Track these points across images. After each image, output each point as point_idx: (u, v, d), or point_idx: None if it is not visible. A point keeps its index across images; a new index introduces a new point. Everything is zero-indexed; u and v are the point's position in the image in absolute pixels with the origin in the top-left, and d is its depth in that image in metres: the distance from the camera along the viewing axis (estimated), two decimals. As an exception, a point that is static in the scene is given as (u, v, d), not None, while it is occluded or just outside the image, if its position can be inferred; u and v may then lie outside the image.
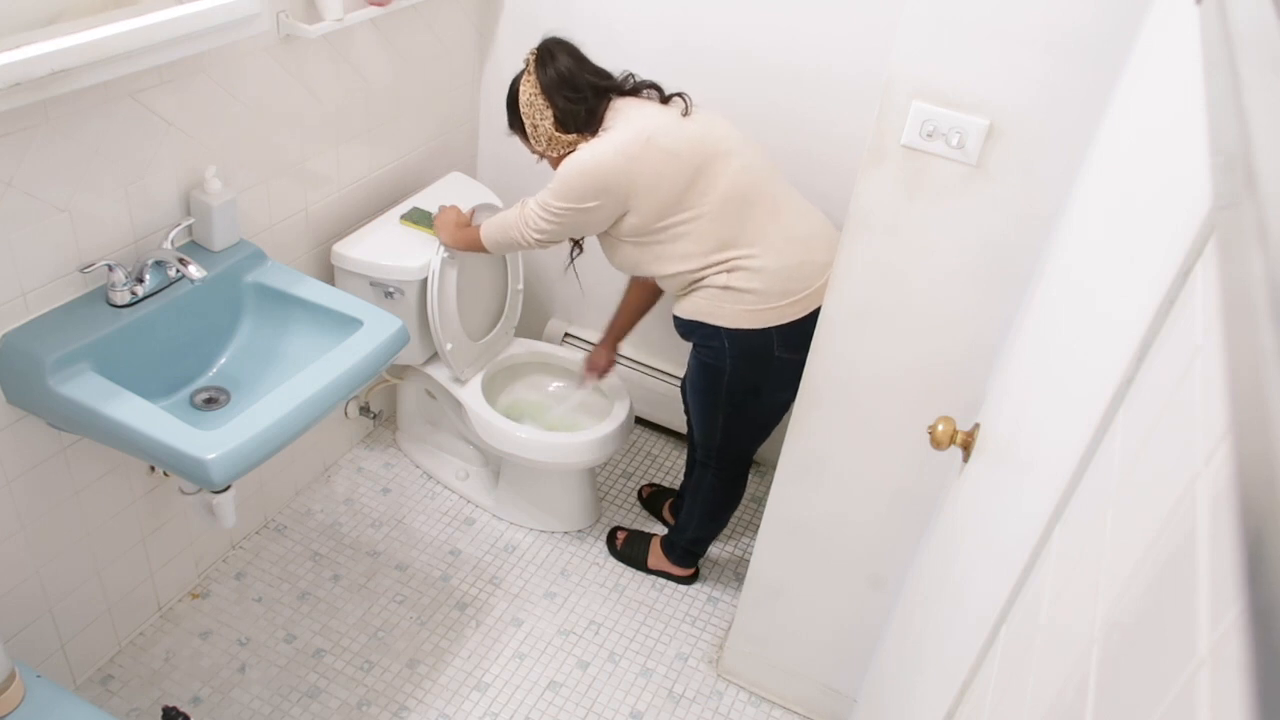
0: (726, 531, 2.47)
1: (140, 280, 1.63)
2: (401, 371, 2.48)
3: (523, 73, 1.88)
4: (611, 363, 2.36)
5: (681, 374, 2.24)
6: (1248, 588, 0.27)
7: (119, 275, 1.59)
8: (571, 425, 2.40)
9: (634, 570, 2.37)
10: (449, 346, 2.24)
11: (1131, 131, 0.99)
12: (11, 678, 1.36)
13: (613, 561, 2.39)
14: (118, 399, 1.46)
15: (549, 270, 2.69)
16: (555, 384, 2.54)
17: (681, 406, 2.38)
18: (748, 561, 2.24)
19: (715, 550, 2.45)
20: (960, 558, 1.20)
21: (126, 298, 1.61)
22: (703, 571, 2.39)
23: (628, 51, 2.22)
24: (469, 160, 2.64)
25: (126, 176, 1.62)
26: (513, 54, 2.42)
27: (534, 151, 1.94)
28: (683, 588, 2.35)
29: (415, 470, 2.58)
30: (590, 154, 1.80)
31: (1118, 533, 0.58)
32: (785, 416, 1.95)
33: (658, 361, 2.67)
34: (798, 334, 1.80)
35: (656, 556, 2.35)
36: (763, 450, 2.17)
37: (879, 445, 1.68)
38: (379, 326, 1.72)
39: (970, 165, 1.36)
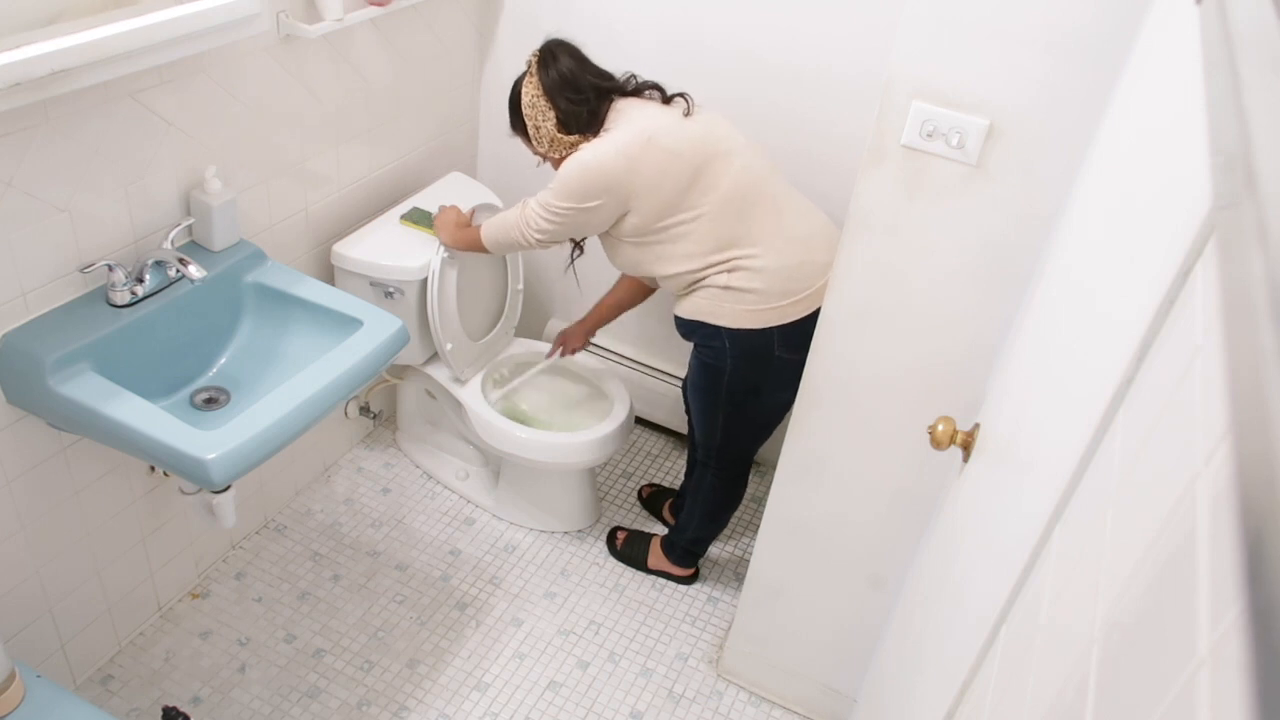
0: (726, 531, 2.47)
1: (140, 280, 1.63)
2: (401, 371, 2.48)
3: (525, 74, 1.88)
4: (584, 345, 2.37)
5: (682, 374, 2.25)
6: (1248, 588, 0.27)
7: (119, 275, 1.59)
8: (569, 424, 2.40)
9: (634, 570, 2.37)
10: (449, 346, 2.24)
11: (1131, 131, 0.99)
12: (11, 678, 1.36)
13: (613, 561, 2.39)
14: (118, 399, 1.46)
15: (549, 270, 2.68)
16: (554, 384, 2.54)
17: (682, 406, 2.39)
18: (748, 561, 2.24)
19: (715, 550, 2.45)
20: (960, 558, 1.20)
21: (126, 298, 1.61)
22: (703, 571, 2.39)
23: (628, 51, 2.22)
24: (469, 160, 2.64)
25: (126, 176, 1.62)
26: (513, 54, 2.42)
27: (536, 153, 1.94)
28: (683, 588, 2.35)
29: (415, 470, 2.58)
30: (592, 154, 1.80)
31: (1118, 533, 0.58)
32: (785, 417, 1.95)
33: (658, 361, 2.67)
34: (798, 334, 1.80)
35: (656, 556, 2.35)
36: (763, 450, 2.17)
37: (879, 445, 1.68)
38: (379, 326, 1.72)
39: (970, 165, 1.36)
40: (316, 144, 2.05)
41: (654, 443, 2.80)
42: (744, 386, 1.93)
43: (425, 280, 2.15)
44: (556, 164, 1.90)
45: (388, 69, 2.19)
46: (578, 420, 2.43)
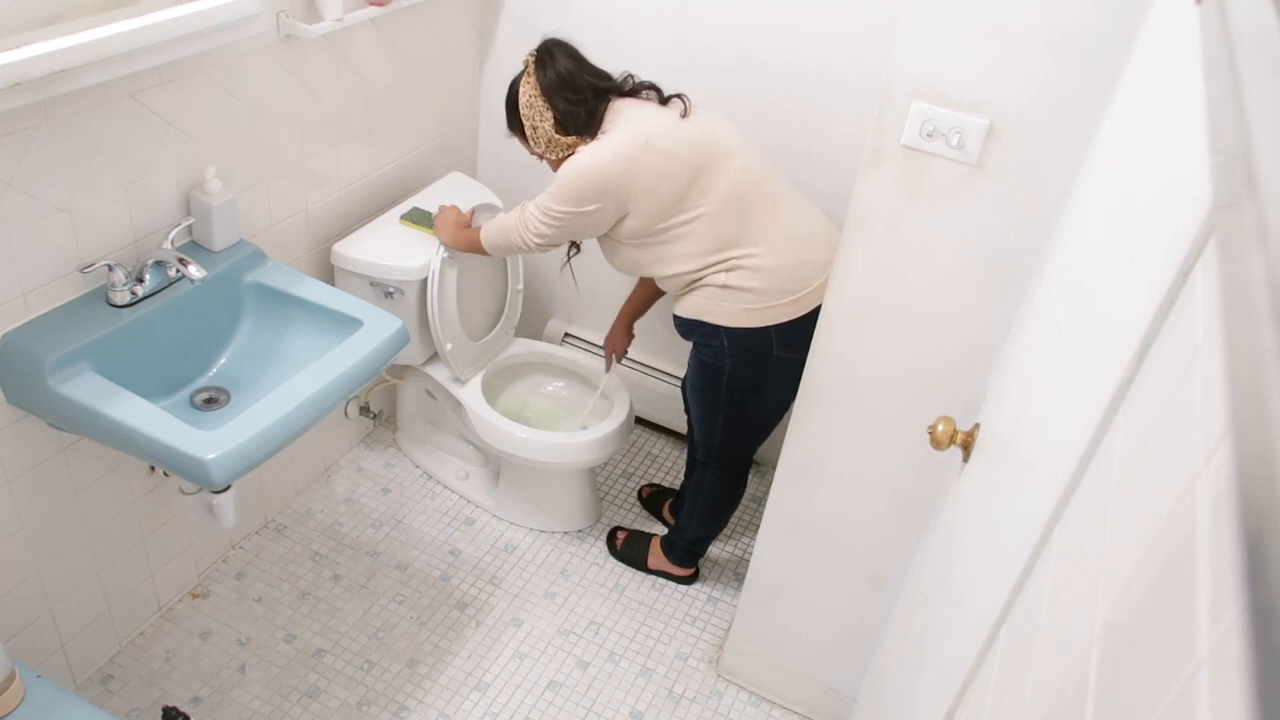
0: (726, 531, 2.47)
1: (140, 280, 1.63)
2: (401, 371, 2.48)
3: (522, 74, 1.88)
4: (630, 339, 2.37)
5: (682, 374, 2.25)
6: (1248, 588, 0.27)
7: (119, 275, 1.59)
8: (569, 425, 2.40)
9: (634, 570, 2.37)
10: (449, 346, 2.24)
11: (1131, 131, 0.99)
12: (11, 678, 1.36)
13: (613, 561, 2.39)
14: (118, 399, 1.46)
15: (549, 270, 2.69)
16: (554, 384, 2.54)
17: (682, 406, 2.39)
18: (748, 561, 2.24)
19: (715, 550, 2.45)
20: (960, 558, 1.20)
21: (126, 298, 1.61)
22: (703, 571, 2.39)
23: (627, 51, 2.22)
24: (469, 160, 2.64)
25: (126, 176, 1.62)
26: (513, 54, 2.42)
27: (533, 153, 1.94)
28: (683, 588, 2.35)
29: (415, 470, 2.58)
30: (589, 157, 1.80)
31: (1118, 533, 0.58)
32: (785, 417, 1.95)
33: (658, 361, 2.67)
34: (797, 333, 1.80)
35: (656, 556, 2.35)
36: (763, 450, 2.17)
37: (879, 445, 1.68)
38: (379, 326, 1.72)
39: (970, 165, 1.36)
40: (316, 144, 2.05)
41: (654, 443, 2.80)
42: (743, 386, 1.93)
43: (425, 280, 2.15)
44: (554, 164, 1.90)
45: (388, 69, 2.19)
46: (578, 420, 2.43)
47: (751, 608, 2.03)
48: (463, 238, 2.09)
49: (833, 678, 2.02)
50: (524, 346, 2.51)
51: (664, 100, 1.89)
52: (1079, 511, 0.72)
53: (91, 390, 1.47)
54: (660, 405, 2.69)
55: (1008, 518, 0.97)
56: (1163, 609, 0.45)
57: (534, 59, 1.86)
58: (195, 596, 2.13)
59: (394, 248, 2.15)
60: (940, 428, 1.27)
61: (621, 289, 2.36)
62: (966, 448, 1.29)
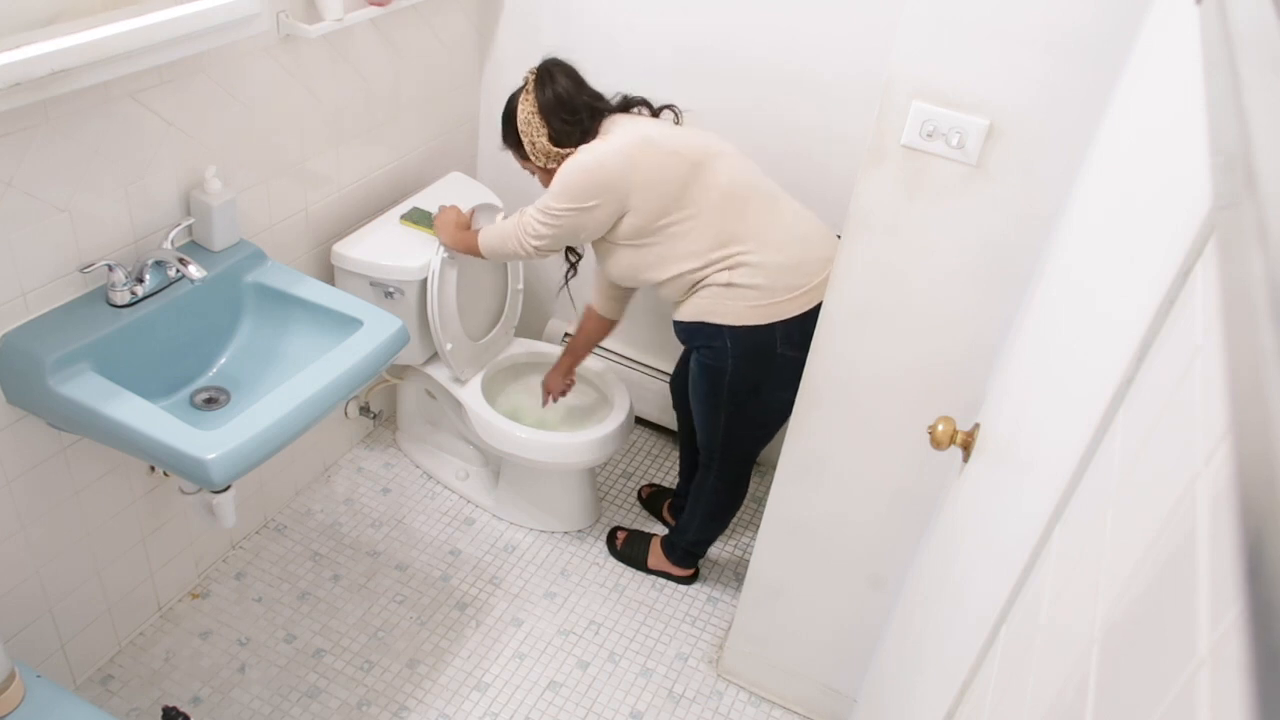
0: (726, 531, 2.47)
1: (140, 280, 1.63)
2: (401, 371, 2.48)
3: (521, 90, 1.91)
4: (570, 385, 2.35)
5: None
6: (1248, 588, 0.27)
7: (119, 275, 1.59)
8: (569, 425, 2.40)
9: (634, 570, 2.37)
10: (449, 346, 2.24)
11: (1131, 131, 0.99)
12: (11, 678, 1.36)
13: (613, 561, 2.39)
14: (118, 399, 1.46)
15: (549, 271, 2.69)
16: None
17: (671, 403, 2.39)
18: (748, 561, 2.24)
19: (715, 550, 2.45)
20: (960, 558, 1.20)
21: (126, 298, 1.61)
22: (703, 571, 2.39)
23: (626, 50, 2.22)
24: (469, 160, 2.64)
25: (126, 176, 1.62)
26: (513, 54, 2.42)
27: (526, 167, 1.97)
28: (683, 588, 2.35)
29: (415, 470, 2.58)
30: (591, 154, 1.82)
31: (1118, 533, 0.58)
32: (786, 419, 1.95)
33: (657, 361, 2.67)
34: (799, 331, 1.80)
35: (656, 556, 2.35)
36: (763, 451, 2.17)
37: (879, 445, 1.68)
38: (379, 326, 1.72)
39: (970, 165, 1.36)
40: (316, 144, 2.05)
41: (654, 443, 2.80)
42: (745, 386, 1.93)
43: (425, 280, 2.15)
44: (546, 178, 1.92)
45: (388, 69, 2.19)
46: (578, 421, 2.43)
47: (751, 608, 2.03)
48: (462, 239, 2.09)
49: (833, 678, 2.02)
50: (524, 346, 2.51)
51: (655, 113, 1.95)
52: (1079, 511, 0.72)
53: (91, 390, 1.47)
54: (660, 405, 2.69)
55: (1008, 518, 0.97)
56: (1163, 609, 0.45)
57: (534, 77, 1.89)
58: (195, 596, 2.13)
59: (394, 248, 2.15)
60: (940, 428, 1.27)
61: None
62: (966, 448, 1.29)
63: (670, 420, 2.71)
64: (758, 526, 1.94)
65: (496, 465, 2.47)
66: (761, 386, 1.94)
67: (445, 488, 2.53)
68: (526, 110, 1.88)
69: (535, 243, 1.90)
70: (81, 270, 1.57)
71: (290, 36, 1.84)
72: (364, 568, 2.27)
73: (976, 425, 1.31)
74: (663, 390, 2.66)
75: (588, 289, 2.31)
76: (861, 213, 1.48)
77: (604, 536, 2.45)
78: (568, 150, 1.86)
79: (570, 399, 2.47)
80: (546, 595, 2.28)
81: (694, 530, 2.26)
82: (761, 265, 1.82)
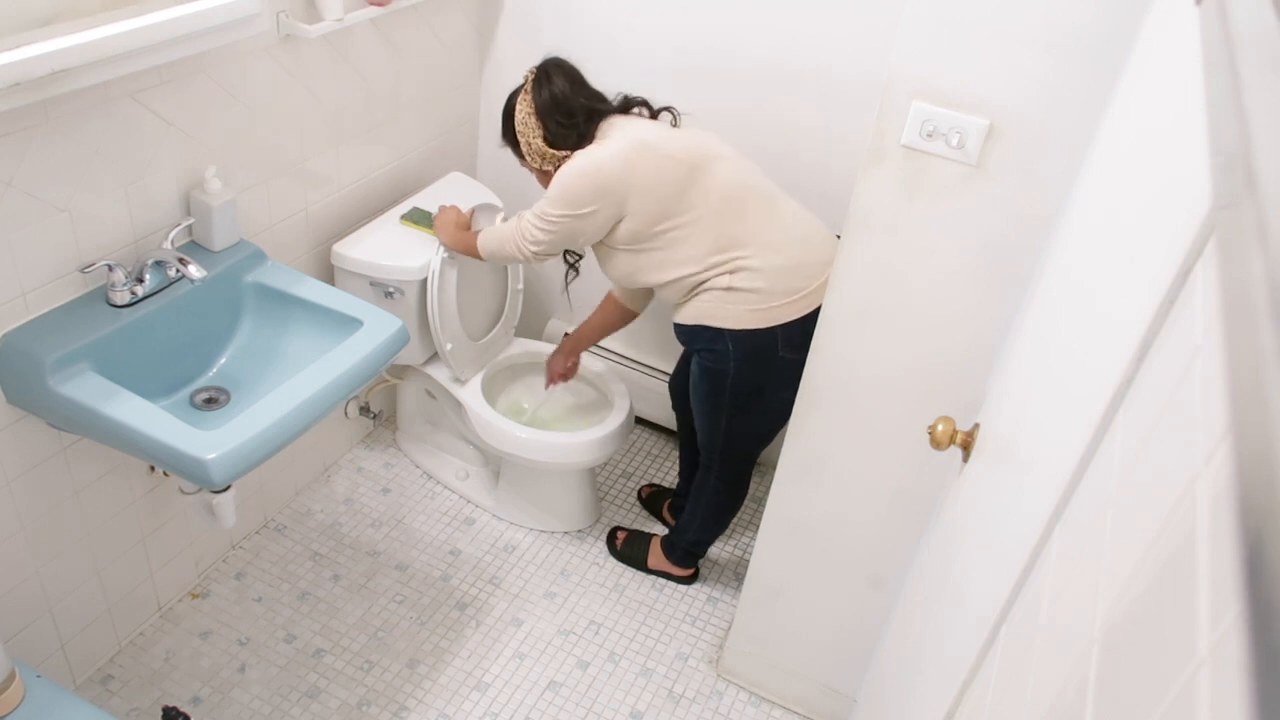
0: (726, 531, 2.47)
1: (140, 280, 1.63)
2: (401, 371, 2.48)
3: (520, 89, 1.90)
4: (574, 367, 2.35)
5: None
6: (1248, 588, 0.27)
7: (119, 275, 1.59)
8: (569, 425, 2.40)
9: (634, 570, 2.37)
10: (449, 346, 2.24)
11: (1131, 131, 0.99)
12: (11, 678, 1.36)
13: (613, 561, 2.39)
14: (118, 399, 1.46)
15: (549, 271, 2.68)
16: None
17: (670, 404, 2.39)
18: (748, 561, 2.24)
19: (715, 550, 2.45)
20: (960, 558, 1.20)
21: (126, 298, 1.61)
22: (703, 571, 2.39)
23: (626, 50, 2.22)
24: (469, 160, 2.64)
25: (126, 176, 1.62)
26: (513, 54, 2.42)
27: (524, 165, 1.97)
28: (683, 588, 2.35)
29: (415, 470, 2.58)
30: (588, 159, 1.81)
31: (1118, 533, 0.58)
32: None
33: (657, 361, 2.67)
34: (800, 334, 1.80)
35: (656, 556, 2.35)
36: (763, 451, 2.17)
37: (879, 445, 1.68)
38: (379, 326, 1.72)
39: (970, 165, 1.36)
40: (316, 144, 2.05)
41: (654, 443, 2.80)
42: (747, 388, 1.93)
43: (425, 280, 2.15)
44: (544, 179, 1.91)
45: (388, 69, 2.19)
46: (578, 421, 2.43)
47: (751, 608, 2.03)
48: (461, 240, 2.09)
49: (833, 678, 2.02)
50: (524, 346, 2.51)
51: (654, 114, 1.94)
52: (1079, 511, 0.72)
53: (91, 390, 1.47)
54: (660, 405, 2.69)
55: (1008, 518, 0.97)
56: (1163, 609, 0.45)
57: (533, 77, 1.88)
58: (195, 596, 2.13)
59: (394, 248, 2.15)
60: (940, 428, 1.27)
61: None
62: (966, 448, 1.29)
63: (670, 420, 2.72)
64: (758, 526, 1.94)
65: (496, 465, 2.47)
66: (763, 389, 1.94)
67: (445, 488, 2.53)
68: (524, 110, 1.88)
69: (533, 248, 1.90)
70: (81, 270, 1.57)
71: (290, 36, 1.84)
72: (364, 568, 2.27)
73: (976, 425, 1.31)
74: (663, 390, 2.66)
75: (589, 291, 2.31)
76: (861, 213, 1.48)
77: (604, 536, 2.45)
78: (563, 153, 1.86)
79: (570, 399, 2.47)
80: (546, 595, 2.28)
81: (694, 530, 2.26)
82: (761, 269, 1.82)
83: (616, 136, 1.84)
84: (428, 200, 2.30)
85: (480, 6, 2.42)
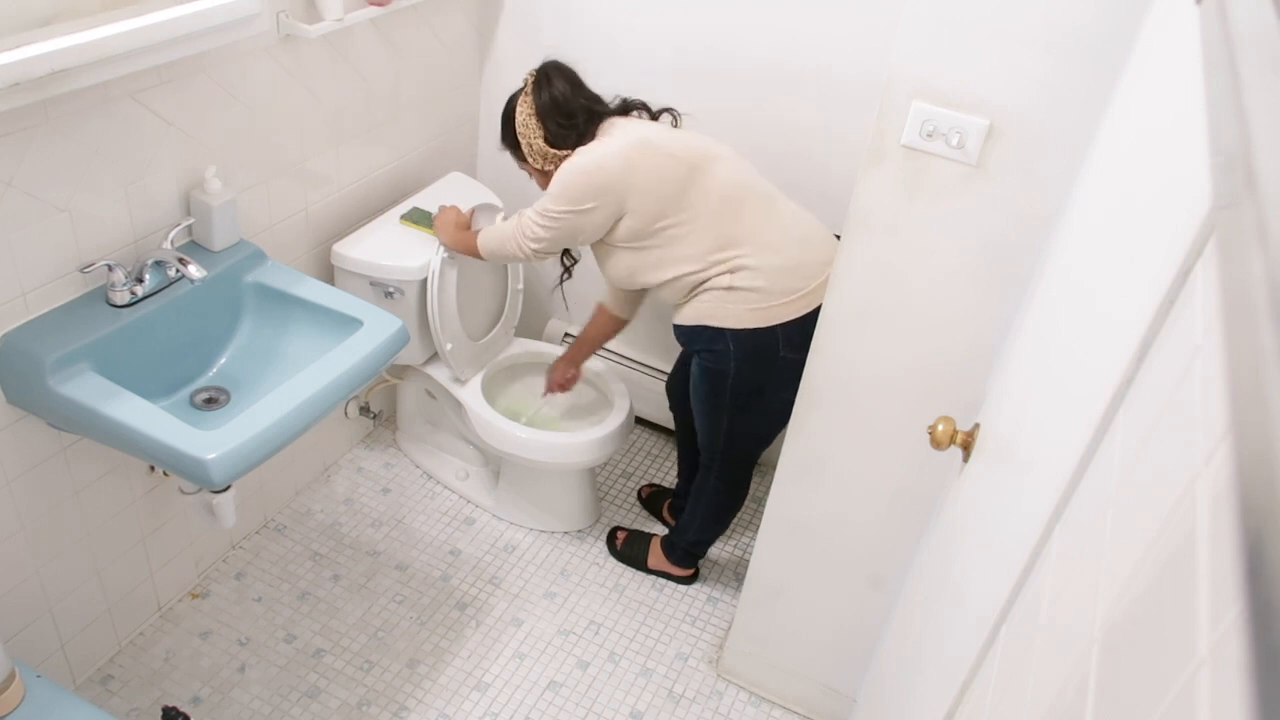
0: (726, 531, 2.47)
1: (140, 280, 1.63)
2: (401, 371, 2.48)
3: (521, 91, 1.91)
4: (574, 379, 2.35)
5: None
6: (1248, 588, 0.27)
7: (119, 275, 1.59)
8: (569, 425, 2.40)
9: (634, 570, 2.37)
10: (449, 346, 2.24)
11: (1131, 131, 0.99)
12: (11, 678, 1.36)
13: (613, 561, 2.39)
14: (118, 399, 1.46)
15: (549, 271, 2.68)
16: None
17: (667, 404, 2.39)
18: (748, 561, 2.24)
19: (715, 550, 2.45)
20: (960, 558, 1.20)
21: (126, 298, 1.61)
22: (703, 571, 2.39)
23: (626, 51, 2.22)
24: (469, 160, 2.64)
25: (126, 176, 1.62)
26: (513, 54, 2.42)
27: (524, 168, 1.98)
28: (683, 588, 2.35)
29: (415, 470, 2.58)
30: (589, 156, 1.82)
31: (1118, 533, 0.58)
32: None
33: (657, 361, 2.67)
34: (800, 333, 1.80)
35: (656, 557, 2.35)
36: (763, 451, 2.16)
37: (879, 445, 1.68)
38: (379, 326, 1.72)
39: (970, 165, 1.36)
40: (316, 144, 2.05)
41: (654, 443, 2.80)
42: (748, 388, 1.93)
43: (425, 280, 2.15)
44: (543, 181, 1.92)
45: (388, 69, 2.19)
46: (578, 421, 2.43)
47: (751, 608, 2.03)
48: (461, 240, 2.09)
49: (833, 678, 2.02)
50: (524, 346, 2.51)
51: (654, 116, 1.95)
52: (1079, 511, 0.72)
53: (91, 390, 1.47)
54: (660, 405, 2.68)
55: (1008, 518, 0.97)
56: (1163, 609, 0.45)
57: (533, 79, 1.89)
58: (195, 596, 2.13)
59: (394, 248, 2.15)
60: (940, 428, 1.27)
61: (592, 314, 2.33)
62: (966, 448, 1.29)
63: (670, 420, 2.72)
64: (758, 526, 1.94)
65: (496, 465, 2.47)
66: (763, 389, 1.94)
67: (445, 488, 2.53)
68: (524, 112, 1.89)
69: (533, 245, 1.91)
70: (81, 270, 1.57)
71: (290, 36, 1.84)
72: (364, 568, 2.27)
73: (976, 425, 1.31)
74: (663, 390, 2.66)
75: (583, 291, 2.31)
76: (861, 213, 1.48)
77: (604, 536, 2.45)
78: (564, 152, 1.87)
79: (570, 399, 2.47)
80: (546, 595, 2.28)
81: (694, 531, 2.26)
82: (761, 268, 1.82)
83: (618, 135, 1.84)
84: (428, 200, 2.30)
85: (480, 6, 2.42)
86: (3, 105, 1.28)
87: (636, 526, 2.51)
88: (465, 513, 2.47)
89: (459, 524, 2.44)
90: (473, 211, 2.19)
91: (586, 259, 2.09)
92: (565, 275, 2.15)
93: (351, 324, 1.72)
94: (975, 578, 1.05)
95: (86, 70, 1.37)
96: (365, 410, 2.58)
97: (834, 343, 1.62)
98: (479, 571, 2.32)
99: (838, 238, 1.60)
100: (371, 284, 2.14)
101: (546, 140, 1.88)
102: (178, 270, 1.62)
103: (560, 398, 2.44)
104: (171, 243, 1.66)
